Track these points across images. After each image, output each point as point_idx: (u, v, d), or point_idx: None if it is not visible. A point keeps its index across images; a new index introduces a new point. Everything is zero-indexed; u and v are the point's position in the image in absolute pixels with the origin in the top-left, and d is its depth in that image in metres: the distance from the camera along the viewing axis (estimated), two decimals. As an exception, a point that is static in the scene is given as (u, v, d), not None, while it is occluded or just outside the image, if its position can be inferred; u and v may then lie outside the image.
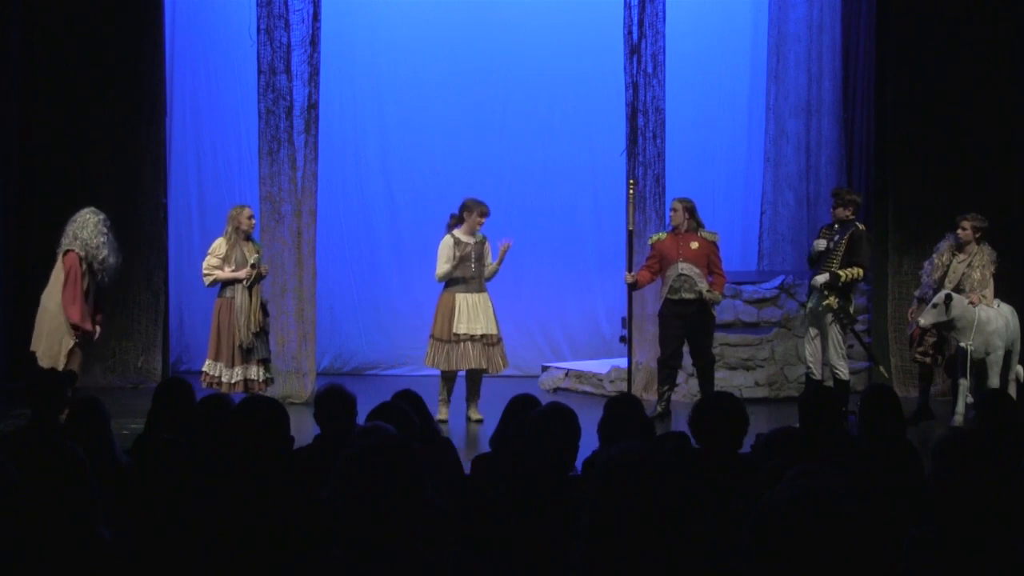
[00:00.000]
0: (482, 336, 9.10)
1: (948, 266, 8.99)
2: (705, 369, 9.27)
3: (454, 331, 9.07)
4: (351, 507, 2.81)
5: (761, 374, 10.51)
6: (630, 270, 9.33)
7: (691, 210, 9.27)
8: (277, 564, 3.47)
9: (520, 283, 11.52)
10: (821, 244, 9.10)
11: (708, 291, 9.13)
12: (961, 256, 8.97)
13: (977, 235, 8.92)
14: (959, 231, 8.95)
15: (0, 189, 10.41)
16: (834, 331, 9.05)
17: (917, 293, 9.36)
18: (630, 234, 9.35)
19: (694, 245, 9.20)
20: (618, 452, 2.77)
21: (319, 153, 10.15)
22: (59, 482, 3.13)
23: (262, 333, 9.01)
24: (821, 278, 8.98)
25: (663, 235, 9.38)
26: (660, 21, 10.22)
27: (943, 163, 10.50)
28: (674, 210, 9.29)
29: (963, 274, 8.90)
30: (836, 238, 9.01)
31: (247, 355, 8.92)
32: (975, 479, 3.25)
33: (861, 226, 9.06)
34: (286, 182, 10.06)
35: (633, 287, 9.38)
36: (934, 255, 9.15)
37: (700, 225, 9.32)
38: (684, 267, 9.14)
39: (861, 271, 8.95)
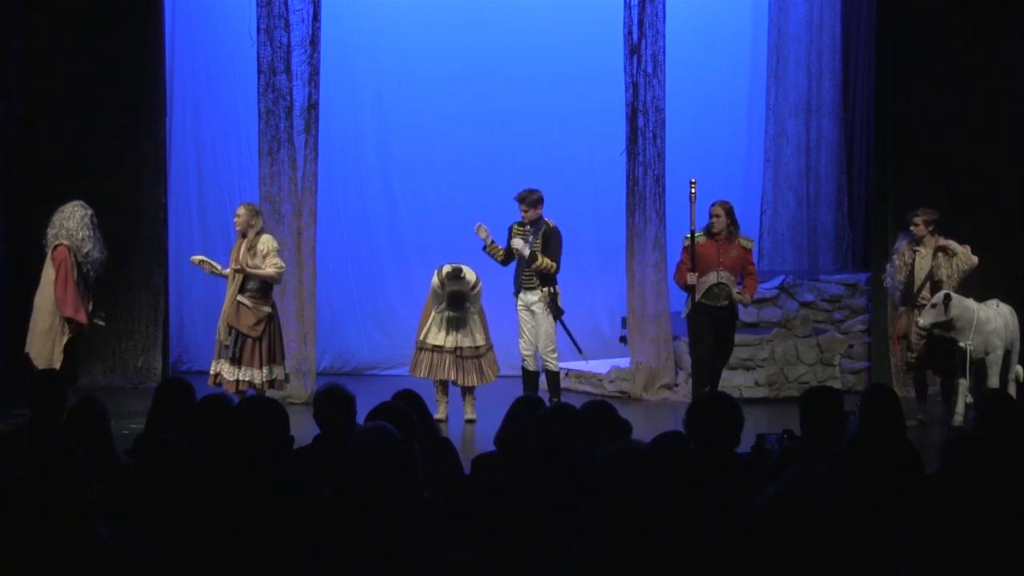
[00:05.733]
0: (453, 349, 9.09)
1: (912, 264, 9.03)
2: (716, 370, 9.29)
3: (424, 340, 9.13)
4: (350, 507, 2.81)
5: (761, 374, 10.52)
6: (692, 270, 9.09)
7: (731, 212, 9.15)
8: (277, 564, 3.47)
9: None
10: (519, 243, 9.17)
11: (738, 293, 9.09)
12: (921, 250, 9.03)
13: (930, 228, 9.00)
14: (912, 227, 9.05)
15: (0, 189, 10.41)
16: (548, 322, 9.24)
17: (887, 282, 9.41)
18: (693, 233, 9.10)
19: (733, 253, 9.11)
20: (618, 452, 2.77)
21: (319, 153, 10.16)
22: (59, 482, 3.13)
23: (234, 332, 8.95)
24: (518, 243, 9.14)
25: (701, 237, 9.14)
26: (660, 21, 10.22)
27: (943, 163, 10.49)
28: (716, 216, 9.08)
29: (934, 265, 8.95)
30: (531, 238, 9.17)
31: (224, 351, 8.99)
32: (979, 479, 3.25)
33: (551, 223, 9.27)
34: (286, 182, 10.07)
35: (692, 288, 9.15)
36: (895, 256, 9.22)
37: (738, 228, 9.21)
38: (723, 275, 9.06)
39: (554, 265, 9.18)
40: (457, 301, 8.94)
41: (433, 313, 9.14)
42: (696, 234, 9.14)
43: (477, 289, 9.08)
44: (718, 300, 9.09)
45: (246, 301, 9.01)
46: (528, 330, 9.32)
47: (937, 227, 9.01)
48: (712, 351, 9.24)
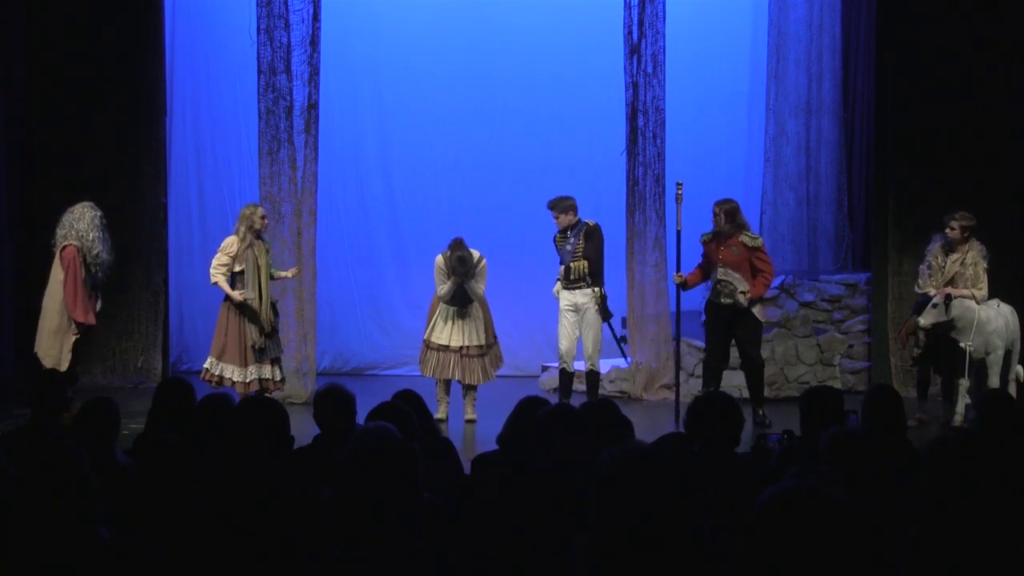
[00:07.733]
0: (459, 348, 9.09)
1: (943, 267, 9.02)
2: (749, 373, 9.27)
3: (430, 339, 9.14)
4: (350, 507, 2.81)
5: (761, 374, 10.51)
6: (679, 271, 9.24)
7: (731, 212, 9.13)
8: (277, 564, 3.47)
9: (520, 283, 11.51)
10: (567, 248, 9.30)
11: (740, 293, 9.06)
12: (954, 255, 9.00)
13: (965, 234, 8.95)
14: (947, 231, 8.99)
15: (2, 190, 10.42)
16: (598, 323, 9.30)
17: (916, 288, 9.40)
18: (678, 235, 9.17)
19: (734, 250, 9.10)
20: (618, 451, 2.77)
21: (319, 153, 10.16)
22: (59, 482, 3.13)
23: (274, 333, 9.06)
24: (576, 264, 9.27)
25: (708, 236, 9.25)
26: (660, 21, 10.23)
27: (943, 163, 10.49)
28: (714, 215, 9.16)
29: (956, 272, 8.93)
30: (573, 241, 9.29)
31: (260, 355, 8.94)
32: (976, 479, 3.25)
33: (592, 222, 9.40)
34: (286, 182, 10.07)
35: (683, 287, 9.30)
36: (927, 256, 9.18)
37: (743, 227, 9.19)
38: (722, 272, 9.08)
39: (586, 262, 9.29)
40: (463, 266, 8.89)
41: (439, 308, 9.13)
42: (708, 234, 9.26)
43: (481, 265, 9.09)
44: (720, 297, 9.12)
45: (272, 301, 9.15)
46: (572, 331, 9.34)
47: (972, 233, 8.98)
48: (721, 354, 9.28)
